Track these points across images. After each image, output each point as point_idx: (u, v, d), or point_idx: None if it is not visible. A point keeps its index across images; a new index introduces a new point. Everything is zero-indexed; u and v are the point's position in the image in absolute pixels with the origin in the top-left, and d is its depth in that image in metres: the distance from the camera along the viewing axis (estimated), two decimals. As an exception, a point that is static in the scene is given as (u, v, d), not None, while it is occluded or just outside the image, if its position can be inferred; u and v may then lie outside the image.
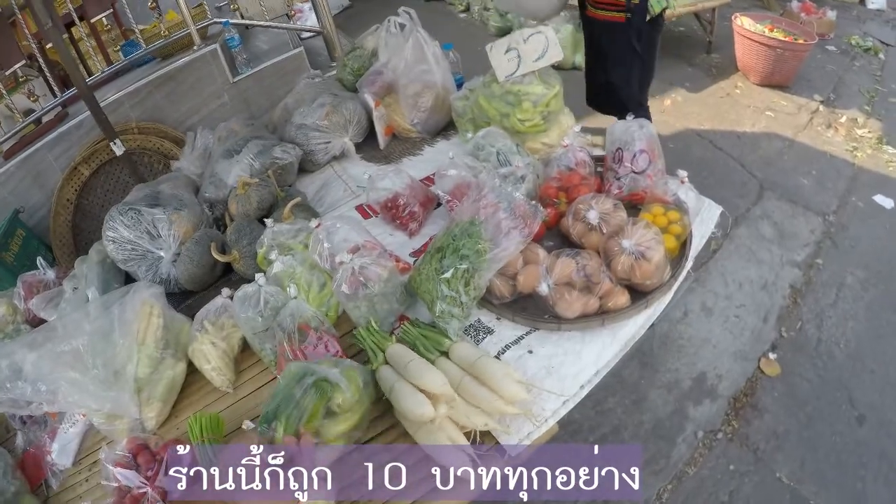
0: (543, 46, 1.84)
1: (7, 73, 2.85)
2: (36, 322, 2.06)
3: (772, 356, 2.42)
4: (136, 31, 2.97)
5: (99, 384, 1.37)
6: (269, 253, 1.49)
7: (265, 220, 1.74)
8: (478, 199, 1.40)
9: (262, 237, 1.52)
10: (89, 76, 3.04)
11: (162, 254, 1.77)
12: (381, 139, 2.17)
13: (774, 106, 4.05)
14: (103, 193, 3.04)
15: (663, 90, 4.34)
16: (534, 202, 1.42)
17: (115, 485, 1.28)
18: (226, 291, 1.47)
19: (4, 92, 2.96)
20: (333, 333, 1.39)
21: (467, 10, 6.55)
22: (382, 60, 2.22)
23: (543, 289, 1.33)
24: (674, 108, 4.17)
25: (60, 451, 1.54)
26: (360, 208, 1.90)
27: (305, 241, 1.53)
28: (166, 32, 2.93)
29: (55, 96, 3.09)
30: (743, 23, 4.24)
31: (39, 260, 2.28)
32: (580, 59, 4.71)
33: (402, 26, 2.20)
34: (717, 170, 3.49)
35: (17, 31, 3.05)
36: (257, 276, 1.38)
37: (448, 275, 1.30)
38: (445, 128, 2.22)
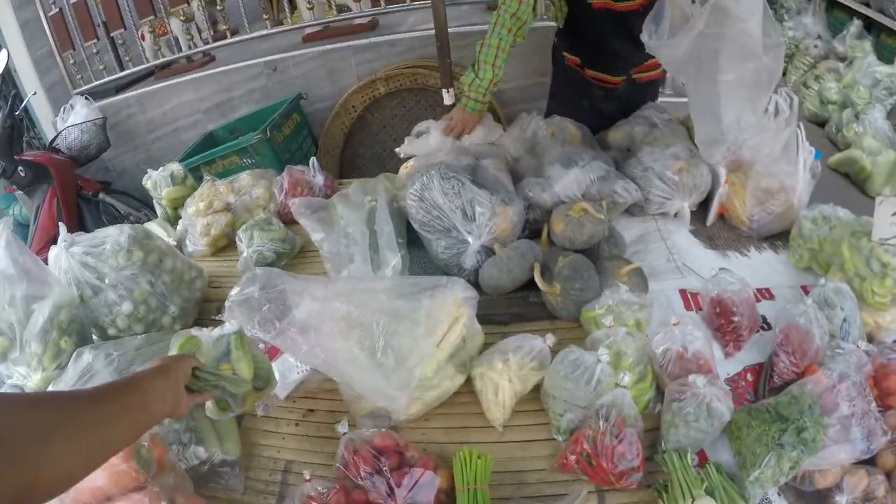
0: (930, 227, 1.55)
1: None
2: (287, 218, 2.08)
3: None
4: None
5: (383, 375, 1.27)
6: (605, 317, 1.40)
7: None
8: (830, 379, 1.28)
9: (606, 298, 1.39)
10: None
11: (469, 239, 1.68)
12: (712, 216, 1.95)
13: None
14: (390, 116, 3.09)
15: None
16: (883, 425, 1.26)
17: (345, 472, 1.18)
18: (550, 338, 1.38)
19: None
20: (641, 437, 1.28)
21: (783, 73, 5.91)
22: (744, 136, 1.98)
23: (839, 500, 1.23)
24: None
25: (279, 388, 1.49)
26: (682, 293, 1.70)
27: (639, 317, 1.41)
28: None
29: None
30: None
31: (313, 161, 2.30)
32: (889, 190, 4.08)
33: (778, 111, 1.93)
34: None
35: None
36: (601, 351, 1.25)
37: (784, 451, 1.22)
38: (775, 235, 1.95)
